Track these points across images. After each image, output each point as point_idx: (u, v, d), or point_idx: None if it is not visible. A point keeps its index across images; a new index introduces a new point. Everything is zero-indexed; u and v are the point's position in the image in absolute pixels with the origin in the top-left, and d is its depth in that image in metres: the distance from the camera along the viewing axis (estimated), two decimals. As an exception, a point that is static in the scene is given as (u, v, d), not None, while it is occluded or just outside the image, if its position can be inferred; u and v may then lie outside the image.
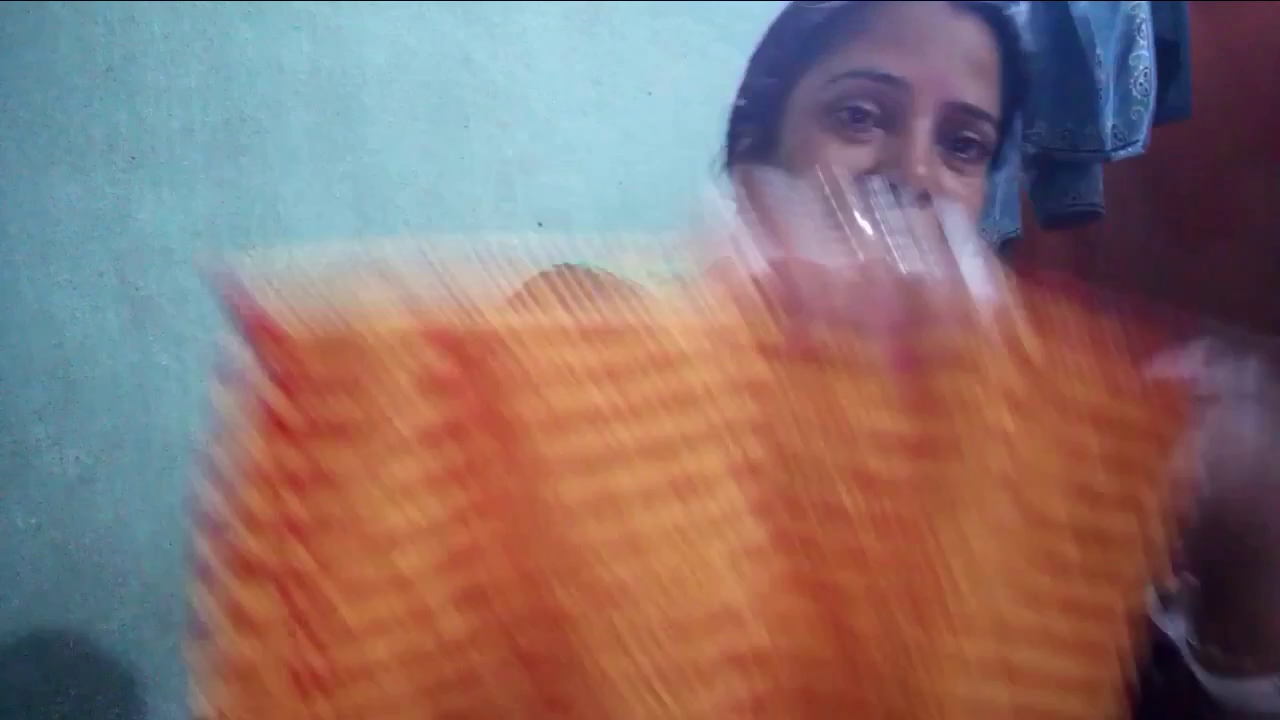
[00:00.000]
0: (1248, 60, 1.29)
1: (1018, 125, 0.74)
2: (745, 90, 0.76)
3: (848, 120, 0.65)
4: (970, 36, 0.66)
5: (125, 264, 1.32)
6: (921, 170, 0.63)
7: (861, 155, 0.65)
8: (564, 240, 1.75)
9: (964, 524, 0.32)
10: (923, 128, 0.64)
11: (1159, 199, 1.43)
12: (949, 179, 0.66)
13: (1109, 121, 1.31)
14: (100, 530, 1.26)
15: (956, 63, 0.65)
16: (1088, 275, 1.54)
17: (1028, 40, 0.70)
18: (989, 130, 0.67)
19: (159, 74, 1.37)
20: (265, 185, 1.41)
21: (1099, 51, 1.33)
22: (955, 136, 0.66)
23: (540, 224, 1.58)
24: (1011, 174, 1.44)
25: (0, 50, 1.27)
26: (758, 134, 0.73)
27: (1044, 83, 1.41)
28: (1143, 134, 1.26)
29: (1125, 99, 1.27)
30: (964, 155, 0.66)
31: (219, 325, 1.33)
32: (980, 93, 0.66)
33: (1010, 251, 1.63)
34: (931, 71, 0.64)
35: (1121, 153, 1.29)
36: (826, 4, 0.68)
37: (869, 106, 0.65)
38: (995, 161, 0.72)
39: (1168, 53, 1.26)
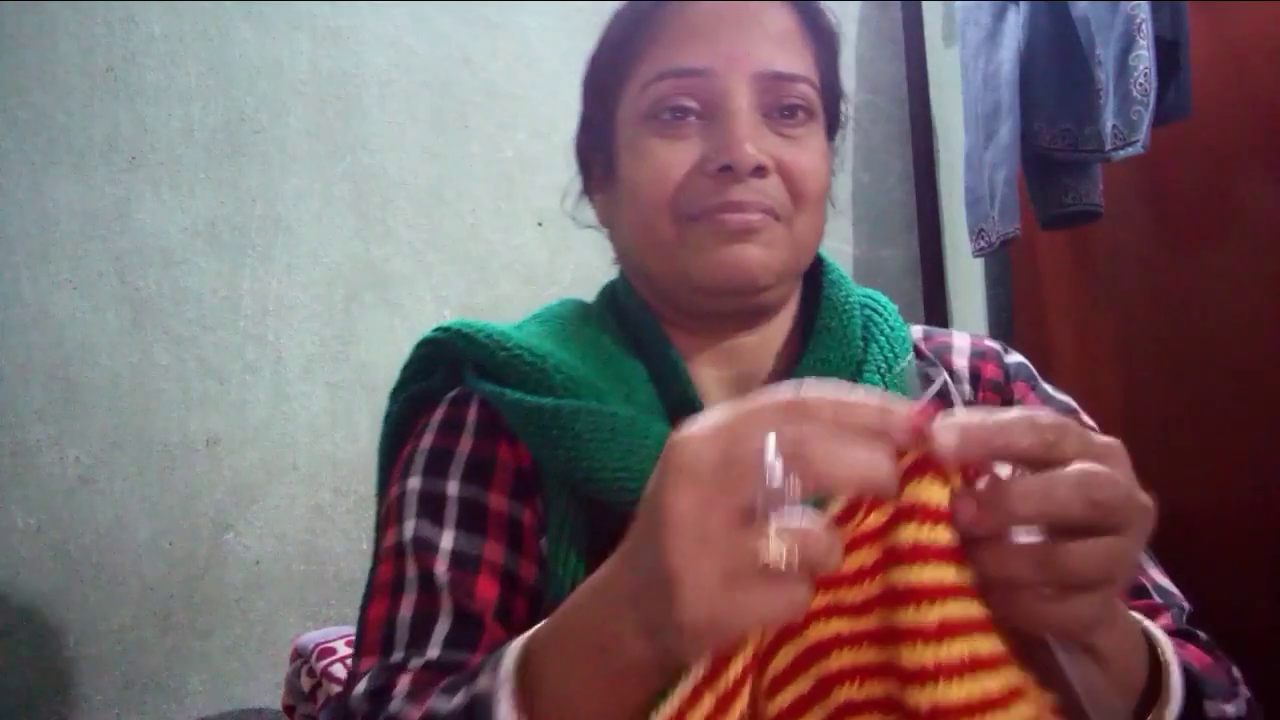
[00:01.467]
0: (1248, 60, 1.29)
1: (840, 82, 0.75)
2: (581, 122, 0.77)
3: (669, 120, 0.66)
4: (765, 12, 0.67)
5: (125, 264, 1.32)
6: (749, 148, 0.64)
7: (688, 149, 0.66)
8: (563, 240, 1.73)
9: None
10: (740, 106, 0.65)
11: (1159, 199, 1.43)
12: (782, 148, 0.66)
13: (1109, 121, 1.31)
14: (100, 530, 1.26)
15: (757, 38, 0.66)
16: (1087, 275, 1.55)
17: (860, 10, 0.72)
18: (808, 91, 0.68)
19: (159, 74, 1.37)
20: (265, 185, 1.41)
21: (1099, 51, 1.33)
22: (778, 106, 0.67)
23: (540, 224, 1.58)
24: (1011, 174, 1.43)
25: (0, 50, 1.27)
26: (602, 160, 0.74)
27: (1044, 83, 1.41)
28: (1143, 134, 1.25)
29: (1125, 99, 1.27)
30: (792, 121, 0.67)
31: (219, 325, 1.34)
32: (788, 58, 0.67)
33: (1010, 251, 1.63)
34: (733, 51, 0.65)
35: (1121, 153, 1.29)
36: (620, 24, 0.70)
37: (686, 102, 0.66)
38: (831, 123, 0.73)
39: (1168, 53, 1.26)
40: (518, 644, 0.47)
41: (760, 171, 0.65)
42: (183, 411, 1.32)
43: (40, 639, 1.21)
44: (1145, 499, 0.41)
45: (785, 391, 0.39)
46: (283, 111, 1.43)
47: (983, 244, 1.53)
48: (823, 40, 0.71)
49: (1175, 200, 1.40)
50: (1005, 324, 1.69)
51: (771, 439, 0.36)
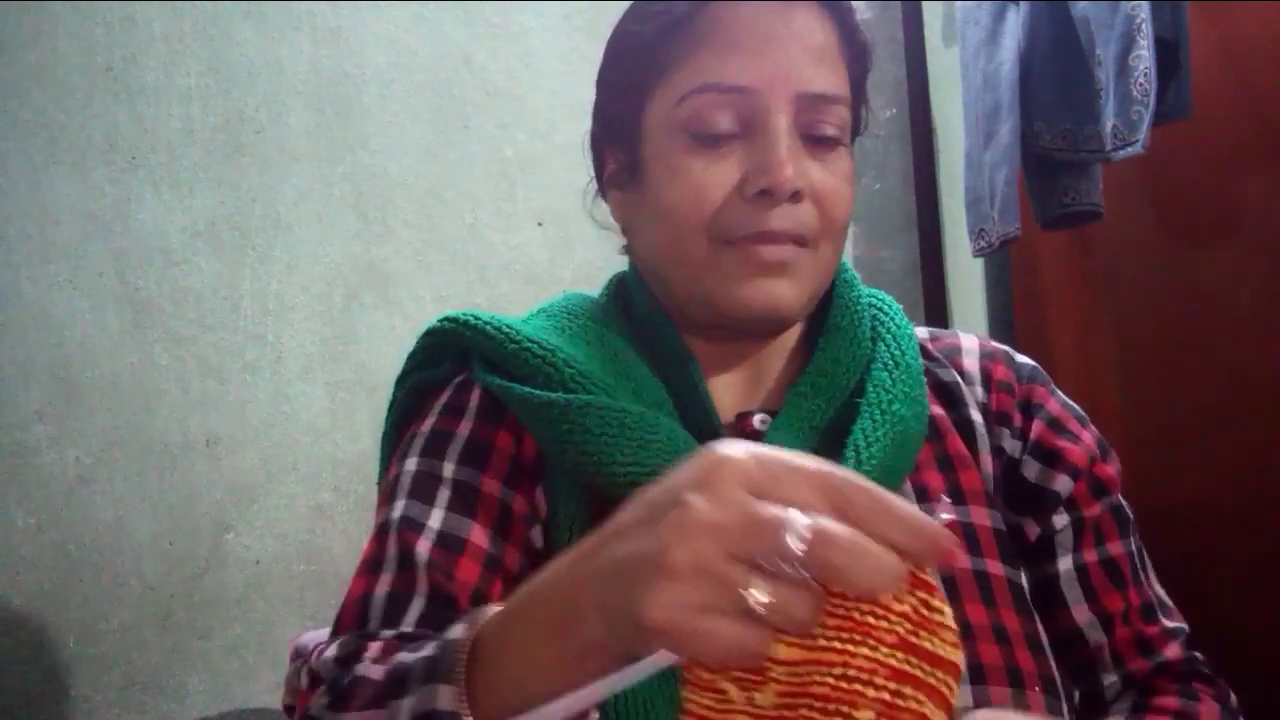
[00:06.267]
0: (1248, 60, 1.29)
1: (867, 95, 0.74)
2: (598, 115, 0.76)
3: (708, 140, 0.65)
4: (806, 25, 0.66)
5: (125, 264, 1.32)
6: (789, 172, 0.63)
7: (727, 170, 0.65)
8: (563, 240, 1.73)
9: None
10: (781, 127, 0.64)
11: (1159, 199, 1.43)
12: (817, 172, 0.66)
13: (1109, 121, 1.31)
14: (100, 530, 1.26)
15: (799, 55, 0.65)
16: (1088, 275, 1.55)
17: (860, 11, 0.71)
18: (843, 113, 0.67)
19: (159, 74, 1.37)
20: (265, 185, 1.41)
21: (1099, 51, 1.33)
22: (814, 130, 0.66)
23: (540, 224, 1.58)
24: (1011, 174, 1.43)
25: (0, 50, 1.28)
26: (622, 157, 0.73)
27: (1044, 83, 1.41)
28: (1143, 134, 1.25)
29: (1125, 99, 1.27)
30: (825, 146, 0.67)
31: (219, 325, 1.34)
32: (828, 78, 0.66)
33: (1010, 251, 1.63)
34: (778, 70, 0.64)
35: (1121, 153, 1.29)
36: (654, 24, 0.68)
37: (726, 121, 0.65)
38: (854, 132, 0.73)
39: (1168, 53, 1.26)
40: (474, 619, 0.47)
41: (796, 197, 0.65)
42: (183, 411, 1.32)
43: (40, 639, 1.22)
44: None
45: (830, 466, 0.38)
46: (283, 111, 1.43)
47: (983, 244, 1.53)
48: (857, 53, 0.71)
49: (1175, 200, 1.40)
50: (1005, 324, 1.69)
51: (801, 519, 0.36)
